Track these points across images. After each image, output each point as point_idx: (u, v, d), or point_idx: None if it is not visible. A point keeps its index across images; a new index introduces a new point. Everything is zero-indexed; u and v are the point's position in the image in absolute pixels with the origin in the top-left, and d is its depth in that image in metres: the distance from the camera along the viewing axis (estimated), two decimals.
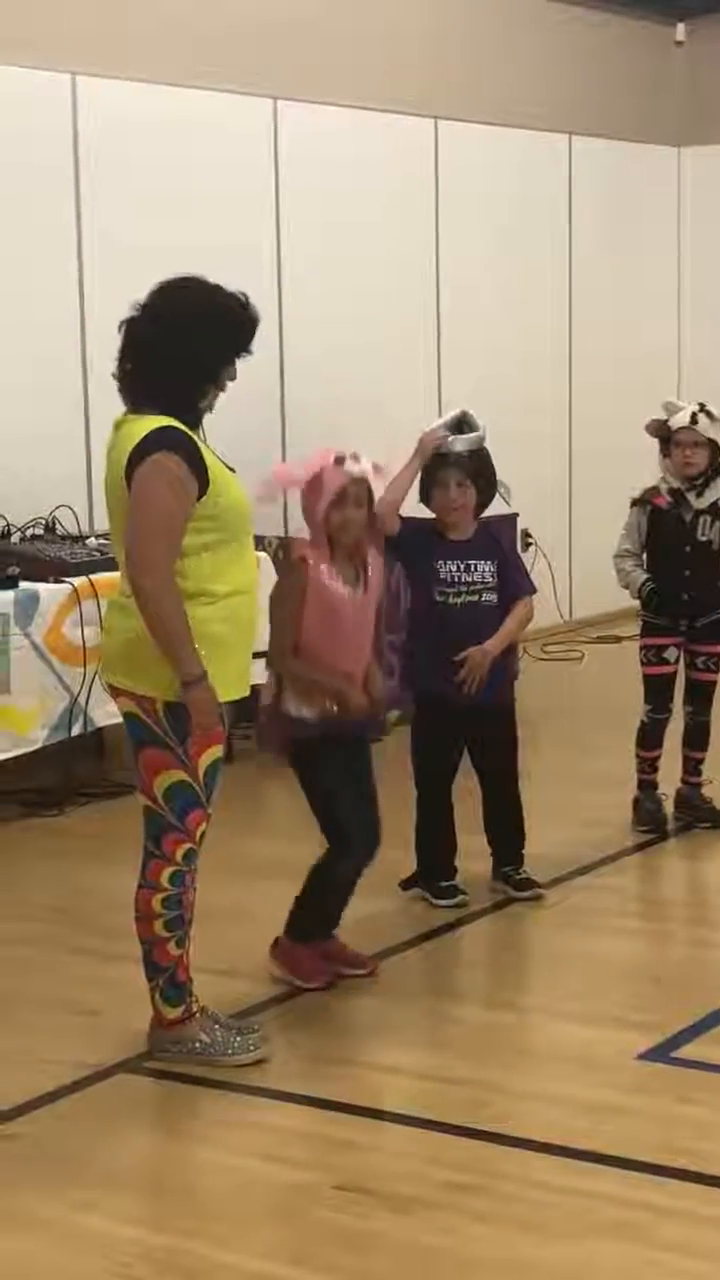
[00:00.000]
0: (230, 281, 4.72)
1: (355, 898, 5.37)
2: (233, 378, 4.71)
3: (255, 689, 5.01)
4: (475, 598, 5.94)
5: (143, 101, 8.53)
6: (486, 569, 5.96)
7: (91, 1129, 4.46)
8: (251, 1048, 4.79)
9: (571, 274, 11.34)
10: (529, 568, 6.61)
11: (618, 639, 10.50)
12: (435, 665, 5.90)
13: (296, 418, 9.22)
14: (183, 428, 4.58)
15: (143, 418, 4.59)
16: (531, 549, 9.99)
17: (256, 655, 4.87)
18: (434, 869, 6.09)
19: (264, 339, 4.75)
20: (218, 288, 4.67)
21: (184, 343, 4.60)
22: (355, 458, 5.12)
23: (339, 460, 5.11)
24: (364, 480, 5.12)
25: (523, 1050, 4.98)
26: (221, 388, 4.71)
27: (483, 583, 5.95)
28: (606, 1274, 3.70)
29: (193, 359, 4.61)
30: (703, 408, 6.70)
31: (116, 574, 7.20)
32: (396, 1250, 3.82)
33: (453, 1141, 4.33)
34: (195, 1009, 4.83)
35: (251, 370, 4.76)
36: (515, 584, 6.07)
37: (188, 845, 4.69)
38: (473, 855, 6.17)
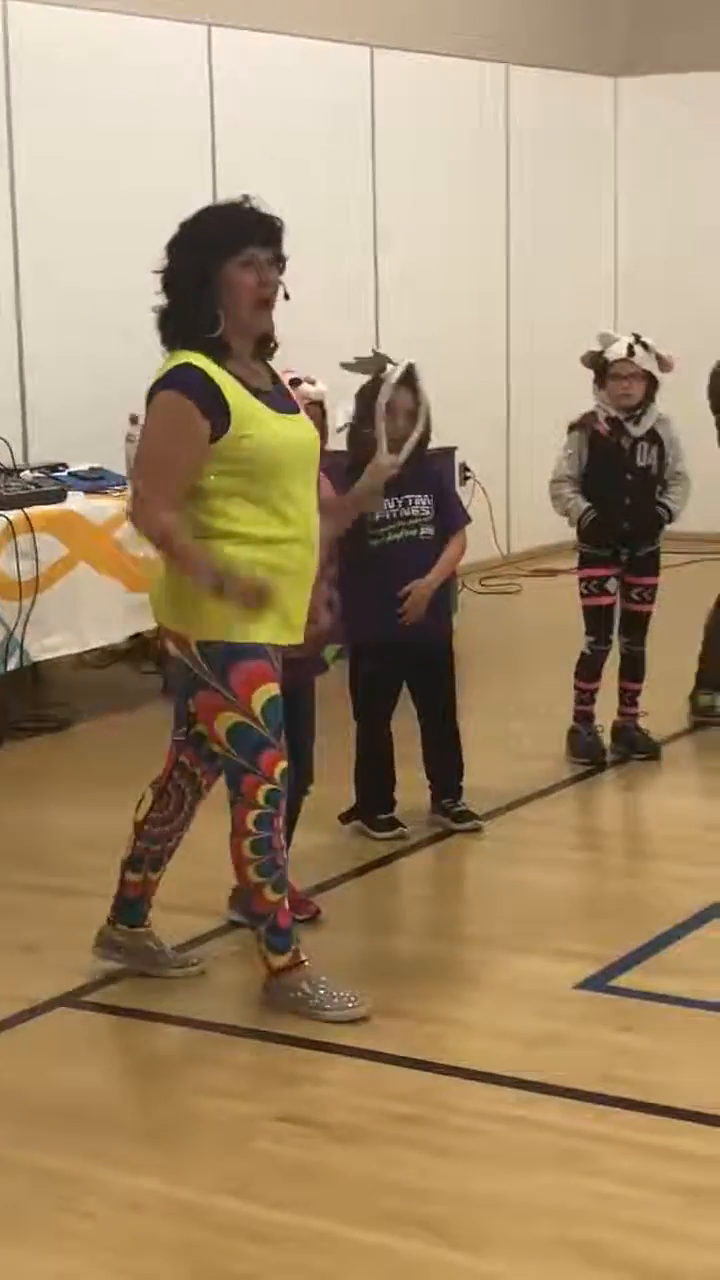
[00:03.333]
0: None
1: (294, 831, 5.37)
2: (260, 292, 4.50)
3: None
4: (414, 532, 5.92)
5: (73, 28, 8.40)
6: (424, 503, 5.94)
7: (33, 1063, 4.45)
8: (349, 1004, 4.62)
9: (509, 204, 11.28)
10: (467, 501, 6.60)
11: (554, 572, 10.51)
12: (375, 602, 5.88)
13: None
14: (202, 365, 4.46)
15: (172, 355, 4.50)
16: (470, 483, 9.98)
17: None
18: (373, 802, 6.10)
19: None
20: (220, 203, 4.57)
21: (174, 262, 4.49)
22: (310, 380, 5.05)
23: (295, 382, 5.00)
24: (319, 403, 5.05)
25: (462, 981, 4.99)
26: (244, 305, 4.49)
27: (420, 516, 5.93)
28: (551, 1204, 3.72)
29: (182, 275, 4.47)
30: (638, 339, 6.69)
31: (54, 507, 7.25)
32: (342, 1182, 3.84)
33: (396, 1073, 4.34)
34: (304, 958, 4.70)
35: None
36: (451, 516, 6.06)
37: (267, 787, 4.57)
38: (411, 788, 6.18)
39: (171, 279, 4.51)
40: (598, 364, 6.72)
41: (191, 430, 4.45)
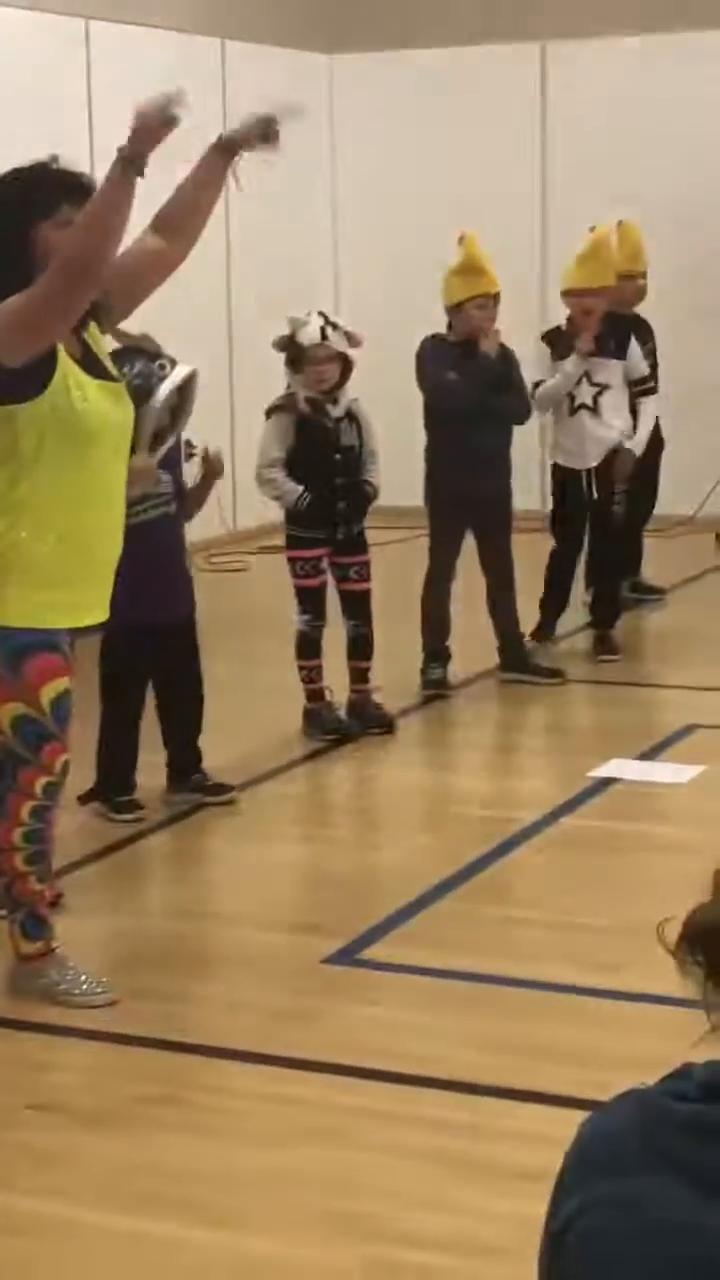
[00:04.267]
0: None
1: None
2: None
3: None
4: (164, 508, 5.96)
5: None
6: (166, 480, 5.97)
7: None
8: (97, 991, 4.59)
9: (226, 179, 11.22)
10: (193, 477, 6.59)
11: (280, 549, 10.50)
12: (130, 580, 5.80)
13: None
14: None
15: None
16: (194, 459, 9.92)
17: None
18: (114, 784, 6.04)
19: None
20: (25, 164, 4.36)
21: None
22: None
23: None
24: None
25: (209, 960, 4.99)
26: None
27: (167, 493, 5.97)
28: (309, 1178, 3.73)
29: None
30: (327, 319, 6.74)
31: None
32: (95, 1167, 3.80)
33: (146, 1055, 4.32)
34: (55, 945, 4.66)
35: None
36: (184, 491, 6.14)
37: (45, 779, 4.51)
38: (147, 768, 6.14)
39: None
40: (290, 348, 6.75)
41: None
